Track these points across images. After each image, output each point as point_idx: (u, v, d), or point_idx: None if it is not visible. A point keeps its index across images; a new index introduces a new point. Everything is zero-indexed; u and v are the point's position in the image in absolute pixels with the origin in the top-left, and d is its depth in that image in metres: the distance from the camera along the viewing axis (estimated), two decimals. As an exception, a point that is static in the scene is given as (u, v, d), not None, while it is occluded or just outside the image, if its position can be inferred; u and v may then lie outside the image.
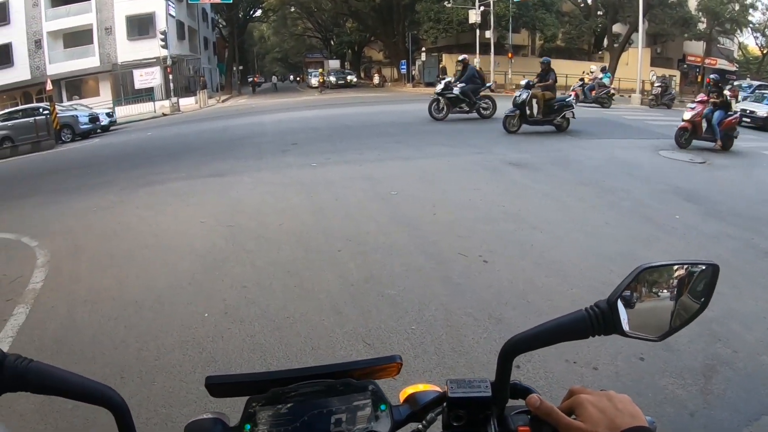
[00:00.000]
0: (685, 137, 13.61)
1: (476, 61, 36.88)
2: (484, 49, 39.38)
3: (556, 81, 15.87)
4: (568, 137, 14.05)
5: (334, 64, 61.54)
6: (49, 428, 3.47)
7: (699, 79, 40.88)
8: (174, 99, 35.56)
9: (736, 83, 27.60)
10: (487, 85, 18.70)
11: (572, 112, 15.45)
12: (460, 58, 18.97)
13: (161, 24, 39.61)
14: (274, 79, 70.16)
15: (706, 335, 4.20)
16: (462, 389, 0.92)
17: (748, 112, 21.02)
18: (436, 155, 12.01)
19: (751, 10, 45.17)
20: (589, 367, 3.67)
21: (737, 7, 44.04)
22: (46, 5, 41.29)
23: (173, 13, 42.45)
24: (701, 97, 14.34)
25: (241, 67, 66.11)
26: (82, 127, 23.75)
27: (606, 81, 26.96)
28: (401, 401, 1.03)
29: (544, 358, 3.78)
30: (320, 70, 50.50)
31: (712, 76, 14.78)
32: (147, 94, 38.79)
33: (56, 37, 41.71)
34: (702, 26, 44.17)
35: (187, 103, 36.91)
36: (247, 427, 0.92)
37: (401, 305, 4.78)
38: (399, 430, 0.95)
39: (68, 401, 0.87)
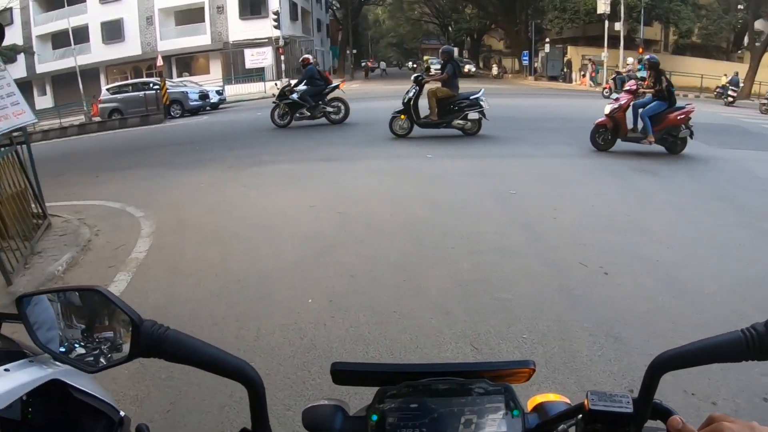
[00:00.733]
0: (604, 137, 12.00)
1: (604, 55, 35.57)
2: (613, 42, 37.63)
3: (455, 74, 13.84)
4: (698, 143, 12.32)
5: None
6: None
7: None
8: (285, 80, 36.50)
9: None
10: (333, 86, 17.05)
11: (480, 112, 13.45)
12: (302, 58, 18.00)
13: (274, 4, 40.78)
14: (383, 65, 70.48)
15: None
16: (603, 402, 0.90)
17: None
18: (558, 155, 11.66)
19: None
20: (707, 401, 3.43)
21: None
22: (159, -18, 43.70)
23: (286, -7, 43.54)
24: (630, 84, 12.53)
25: (354, 51, 67.08)
26: (191, 103, 25.11)
27: (643, 74, 25.42)
28: (529, 409, 1.05)
29: (661, 385, 3.56)
30: (425, 57, 49.83)
31: (647, 57, 12.91)
32: (257, 74, 40.17)
33: (168, 14, 44.21)
34: None
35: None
36: (374, 417, 0.95)
37: (514, 311, 4.69)
38: None
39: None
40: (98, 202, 9.81)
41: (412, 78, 14.21)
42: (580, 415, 0.93)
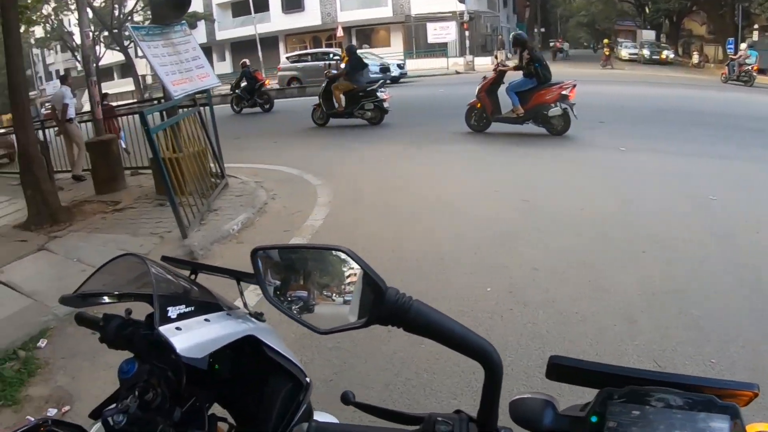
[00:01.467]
0: (477, 118, 12.35)
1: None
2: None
3: (357, 69, 15.19)
4: None
5: (648, 35, 57.43)
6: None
7: None
8: (469, 57, 36.60)
9: None
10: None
11: (377, 103, 14.22)
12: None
13: None
14: (566, 45, 67.97)
15: None
16: None
17: None
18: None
19: None
20: None
21: None
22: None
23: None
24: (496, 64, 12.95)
25: (542, 30, 65.69)
26: (372, 75, 25.74)
27: (753, 59, 27.44)
28: None
29: None
30: (605, 41, 47.51)
31: (514, 33, 13.00)
32: (440, 50, 40.53)
33: (348, -16, 45.44)
34: None
35: (482, 62, 37.21)
36: (594, 418, 0.93)
37: (704, 330, 4.32)
38: None
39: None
40: (275, 167, 10.43)
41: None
42: None
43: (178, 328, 1.28)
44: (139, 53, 44.74)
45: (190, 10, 8.94)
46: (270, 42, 43.85)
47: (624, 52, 49.58)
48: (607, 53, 41.52)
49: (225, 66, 47.74)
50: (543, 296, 4.86)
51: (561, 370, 0.97)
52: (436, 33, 41.74)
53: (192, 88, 8.17)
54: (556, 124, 11.58)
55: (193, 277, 1.62)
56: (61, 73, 19.61)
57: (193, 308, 1.37)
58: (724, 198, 7.65)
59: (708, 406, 0.91)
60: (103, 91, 15.54)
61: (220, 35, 49.00)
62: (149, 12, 37.90)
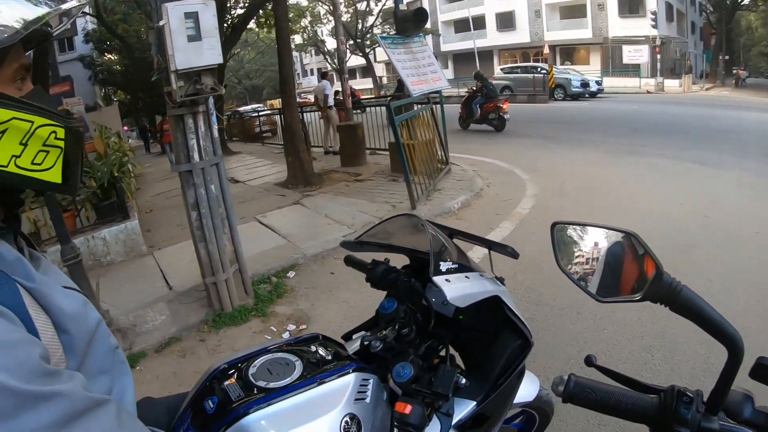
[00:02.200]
0: (462, 120, 16.27)
1: None
2: None
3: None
4: None
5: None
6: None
7: None
8: (659, 78, 34.35)
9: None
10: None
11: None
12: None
13: (652, 4, 38.43)
14: (744, 74, 59.76)
15: None
16: None
17: None
18: None
19: None
20: None
21: None
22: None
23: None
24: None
25: (726, 57, 59.29)
26: (573, 89, 25.30)
27: None
28: None
29: None
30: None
31: (475, 72, 17.73)
32: (633, 70, 38.29)
33: (553, 8, 44.74)
34: None
35: (670, 84, 35.11)
36: None
37: None
38: None
39: None
40: (490, 159, 10.55)
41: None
42: None
43: (447, 280, 1.40)
44: (378, 59, 46.99)
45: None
46: (486, 55, 44.20)
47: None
48: None
49: (447, 74, 48.55)
50: (714, 306, 4.45)
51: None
52: (630, 54, 39.58)
53: (427, 88, 8.43)
54: (498, 126, 15.09)
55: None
56: (315, 71, 20.88)
57: (456, 266, 1.48)
58: None
59: None
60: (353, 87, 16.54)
61: (444, 47, 50.14)
62: (386, 25, 39.56)
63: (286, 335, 4.54)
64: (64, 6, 1.00)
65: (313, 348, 1.50)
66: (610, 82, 34.79)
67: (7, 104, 0.88)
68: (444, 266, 1.43)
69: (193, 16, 4.01)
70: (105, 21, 22.62)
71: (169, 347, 4.60)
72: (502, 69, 29.90)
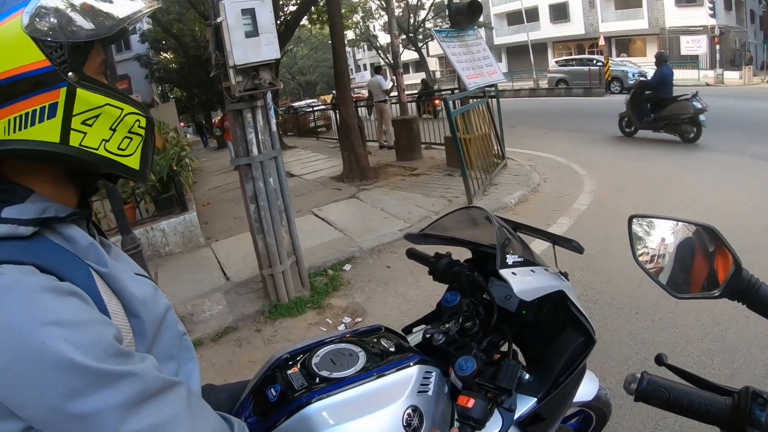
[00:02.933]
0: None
1: None
2: None
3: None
4: None
5: None
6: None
7: None
8: (719, 70, 32.99)
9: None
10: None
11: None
12: None
13: None
14: None
15: None
16: None
17: None
18: None
19: None
20: None
21: None
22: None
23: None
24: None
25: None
26: (630, 82, 24.34)
27: None
28: None
29: None
30: None
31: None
32: (691, 62, 36.87)
33: (609, -2, 43.29)
34: None
35: (730, 76, 33.50)
36: None
37: None
38: None
39: None
40: (546, 154, 10.35)
41: None
42: None
43: (513, 273, 1.38)
44: (430, 53, 46.76)
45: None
46: (539, 48, 43.32)
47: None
48: None
49: (502, 67, 47.90)
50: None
51: None
52: (688, 45, 38.20)
53: (483, 82, 8.34)
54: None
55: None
56: (368, 66, 21.08)
57: (522, 259, 1.46)
58: None
59: None
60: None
61: (497, 40, 49.27)
62: (438, 19, 39.33)
63: (341, 328, 4.56)
64: (152, 5, 1.03)
65: (376, 339, 1.51)
66: (668, 74, 33.75)
67: (102, 90, 0.91)
68: (510, 259, 1.42)
69: (249, 13, 4.07)
70: (160, 21, 23.27)
71: (226, 336, 4.70)
72: (556, 62, 29.24)
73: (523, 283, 1.37)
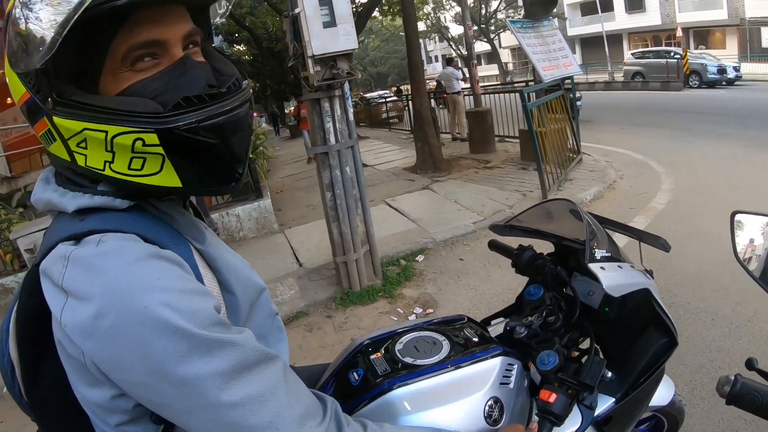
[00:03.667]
0: None
1: None
2: None
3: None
4: None
5: None
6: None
7: None
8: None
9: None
10: None
11: None
12: None
13: None
14: None
15: None
16: None
17: None
18: None
19: None
20: None
21: None
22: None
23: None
24: None
25: None
26: (709, 76, 23.33)
27: None
28: None
29: None
30: None
31: None
32: (774, 55, 35.00)
33: (687, -14, 41.30)
34: None
35: (818, 71, 31.68)
36: None
37: None
38: None
39: None
40: (623, 150, 10.00)
41: None
42: None
43: (602, 268, 1.37)
44: (503, 44, 46.04)
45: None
46: (614, 39, 41.68)
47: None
48: None
49: (576, 58, 46.83)
50: None
51: None
52: (769, 37, 36.24)
53: (559, 74, 8.15)
54: None
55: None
56: (439, 58, 21.09)
57: (610, 254, 1.45)
58: None
59: None
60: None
61: (571, 32, 47.66)
62: (509, 9, 38.68)
63: (412, 318, 4.55)
64: None
65: (459, 329, 1.49)
66: (749, 68, 31.92)
67: (81, 115, 0.82)
68: (599, 254, 1.41)
69: (327, 3, 4.09)
70: (233, 14, 23.76)
71: (297, 321, 4.78)
72: (633, 54, 28.08)
73: (612, 278, 1.36)
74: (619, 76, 27.68)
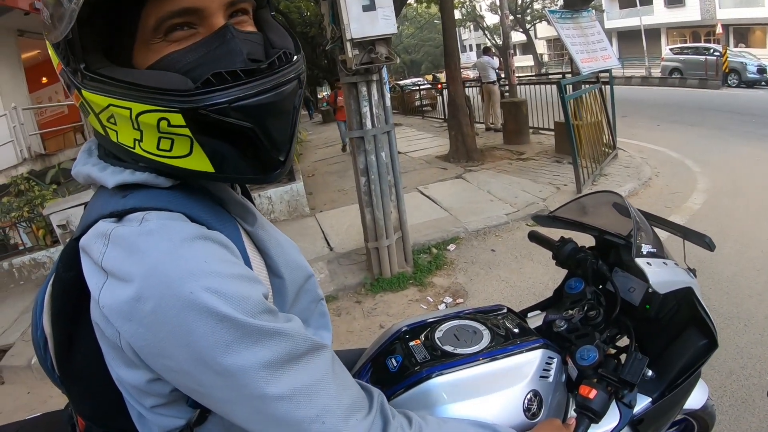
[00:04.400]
0: None
1: None
2: None
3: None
4: None
5: None
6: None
7: None
8: None
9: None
10: None
11: None
12: None
13: None
14: None
15: None
16: None
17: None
18: None
19: None
20: None
21: None
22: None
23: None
24: None
25: None
26: (749, 75, 22.67)
27: None
28: None
29: None
30: None
31: None
32: (815, 58, 34.04)
33: (728, -17, 40.19)
34: None
35: None
36: None
37: None
38: None
39: None
40: (658, 147, 9.78)
41: None
42: None
43: (648, 263, 1.33)
44: (539, 35, 45.37)
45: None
46: (652, 33, 40.89)
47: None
48: None
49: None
50: None
51: None
52: (812, 38, 35.21)
53: (597, 66, 7.96)
54: None
55: None
56: (473, 47, 21.02)
57: (656, 250, 1.41)
58: None
59: None
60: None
61: (608, 24, 46.72)
62: (547, 0, 38.06)
63: (442, 307, 4.52)
64: None
65: (500, 319, 1.46)
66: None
67: (103, 89, 0.76)
68: (645, 249, 1.38)
69: (366, -14, 4.03)
70: (268, -2, 23.84)
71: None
72: (671, 49, 27.50)
73: (658, 274, 1.34)
74: (656, 72, 27.07)
